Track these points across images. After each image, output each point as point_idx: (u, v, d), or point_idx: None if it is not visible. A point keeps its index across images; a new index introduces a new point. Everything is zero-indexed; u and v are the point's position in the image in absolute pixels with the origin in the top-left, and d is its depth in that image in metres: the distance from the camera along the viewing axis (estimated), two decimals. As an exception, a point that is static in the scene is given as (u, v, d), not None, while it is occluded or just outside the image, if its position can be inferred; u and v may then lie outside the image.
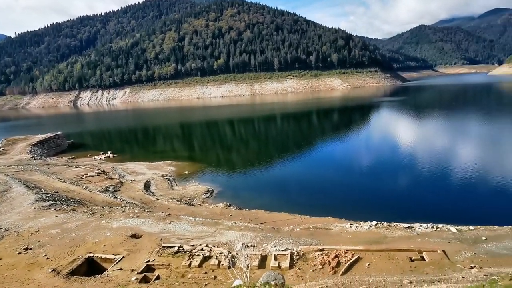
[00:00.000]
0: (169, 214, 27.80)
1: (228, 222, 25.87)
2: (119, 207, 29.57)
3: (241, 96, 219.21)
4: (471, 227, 22.51)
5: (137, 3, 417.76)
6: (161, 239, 22.18)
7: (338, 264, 18.08)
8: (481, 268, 17.05)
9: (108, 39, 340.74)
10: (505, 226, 22.40)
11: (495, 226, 22.57)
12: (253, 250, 19.97)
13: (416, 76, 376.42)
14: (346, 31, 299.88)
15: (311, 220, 26.41)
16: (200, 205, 32.50)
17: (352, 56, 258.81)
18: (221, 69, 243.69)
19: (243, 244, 18.71)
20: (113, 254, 20.08)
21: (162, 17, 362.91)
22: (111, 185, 38.34)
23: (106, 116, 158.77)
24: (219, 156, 59.73)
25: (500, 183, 34.12)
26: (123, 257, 19.79)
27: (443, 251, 18.97)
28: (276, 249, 19.90)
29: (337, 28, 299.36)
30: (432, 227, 22.84)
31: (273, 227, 24.76)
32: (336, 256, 18.58)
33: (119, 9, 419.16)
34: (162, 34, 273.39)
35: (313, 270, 17.84)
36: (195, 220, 26.15)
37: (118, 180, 40.66)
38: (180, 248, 20.34)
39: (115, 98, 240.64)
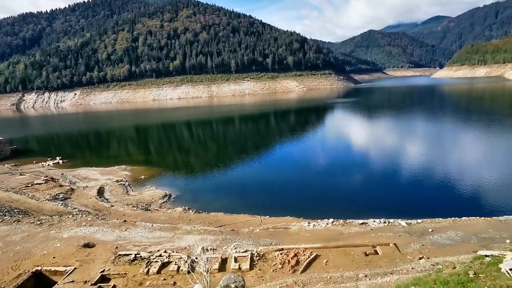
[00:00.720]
0: (125, 220, 26.83)
1: (187, 226, 25.48)
2: (70, 216, 28.04)
3: (198, 98, 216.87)
4: (419, 221, 24.03)
5: (86, 1, 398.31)
6: (116, 247, 21.34)
7: (297, 262, 18.47)
8: (428, 258, 18.26)
9: (55, 38, 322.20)
10: (448, 218, 24.18)
11: (439, 218, 24.26)
12: (213, 253, 19.84)
13: (367, 78, 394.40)
14: (301, 34, 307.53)
15: (271, 220, 26.73)
16: (158, 210, 31.67)
17: (307, 58, 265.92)
18: (177, 70, 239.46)
19: (203, 248, 18.55)
20: (64, 266, 18.99)
21: (114, 16, 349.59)
22: (60, 193, 36.24)
23: (54, 120, 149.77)
24: (176, 159, 58.60)
25: (443, 178, 36.67)
26: (75, 268, 18.78)
27: (395, 244, 20.07)
28: (236, 251, 19.92)
29: (292, 31, 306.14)
30: (385, 222, 24.06)
31: (233, 229, 24.76)
32: (295, 255, 18.97)
33: (67, 7, 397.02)
34: (115, 34, 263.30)
35: (273, 270, 18.08)
36: (152, 225, 25.47)
37: (68, 187, 38.53)
38: (137, 256, 19.70)
39: (64, 101, 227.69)
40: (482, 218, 24.09)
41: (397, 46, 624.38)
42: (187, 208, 31.08)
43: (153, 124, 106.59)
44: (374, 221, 24.36)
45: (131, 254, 19.87)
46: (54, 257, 20.23)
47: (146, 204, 33.32)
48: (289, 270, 17.93)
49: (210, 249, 20.32)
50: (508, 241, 19.43)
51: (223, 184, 41.04)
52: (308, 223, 24.94)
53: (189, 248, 19.75)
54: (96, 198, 35.06)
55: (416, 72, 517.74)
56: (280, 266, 18.34)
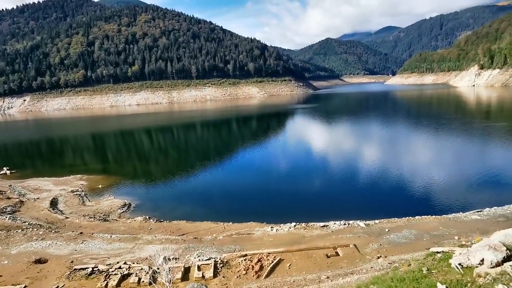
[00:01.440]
0: (81, 232, 25.57)
1: (148, 236, 24.76)
2: (19, 230, 26.25)
3: (158, 104, 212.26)
4: (376, 221, 25.06)
5: (36, 2, 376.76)
6: (72, 261, 20.26)
7: (261, 267, 18.57)
8: (386, 257, 19.07)
9: (1, 40, 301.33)
10: (403, 218, 25.44)
11: (395, 218, 25.46)
12: (176, 262, 19.44)
13: (325, 85, 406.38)
14: (261, 41, 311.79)
15: (234, 226, 26.65)
16: (117, 220, 30.47)
17: (267, 65, 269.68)
18: (136, 76, 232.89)
19: (165, 257, 18.11)
20: (12, 285, 17.70)
21: (67, 19, 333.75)
22: (8, 206, 33.79)
23: (0, 128, 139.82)
24: (136, 167, 56.83)
25: (397, 180, 38.56)
26: (26, 286, 17.60)
27: (354, 245, 20.77)
28: (199, 259, 19.66)
29: (252, 38, 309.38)
30: (344, 224, 24.84)
31: (195, 237, 24.41)
32: (259, 260, 19.06)
33: (14, 8, 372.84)
34: (68, 38, 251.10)
35: (237, 277, 18.02)
36: (111, 237, 24.48)
37: (17, 200, 36.03)
38: (95, 269, 18.83)
39: (12, 107, 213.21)
40: (433, 216, 25.59)
41: (353, 54, 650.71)
42: (148, 217, 30.18)
43: (111, 131, 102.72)
44: (334, 223, 25.07)
45: (88, 268, 18.95)
46: (1, 276, 18.82)
47: (104, 215, 31.93)
48: (253, 276, 17.97)
49: (173, 258, 19.89)
50: (456, 237, 20.80)
51: (185, 191, 40.36)
52: (271, 227, 25.17)
53: (151, 259, 19.18)
54: (48, 210, 33.06)
55: (371, 79, 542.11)
56: (244, 272, 18.33)
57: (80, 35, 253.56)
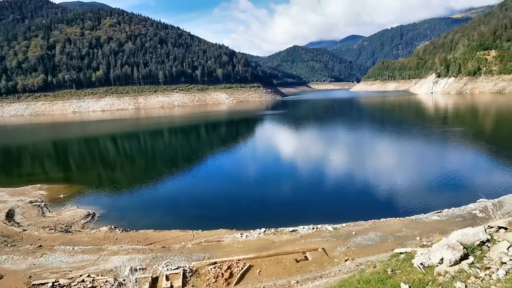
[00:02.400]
0: (41, 245, 24.27)
1: (113, 246, 23.91)
2: (-28, 245, 24.51)
3: (124, 110, 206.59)
4: (343, 225, 25.64)
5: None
6: (30, 276, 19.17)
7: (231, 275, 18.44)
8: (353, 259, 19.52)
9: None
10: (369, 221, 26.20)
11: (361, 221, 26.17)
12: (143, 273, 18.86)
13: (293, 92, 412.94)
14: (230, 48, 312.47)
15: (203, 234, 26.31)
16: (80, 231, 29.18)
17: (236, 71, 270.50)
18: (100, 81, 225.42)
19: (131, 268, 17.57)
20: (-36, 304, 16.52)
21: (25, 21, 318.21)
22: (-41, 219, 31.47)
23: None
24: (101, 175, 54.84)
25: (363, 184, 39.75)
26: (-21, 305, 16.46)
27: (323, 249, 21.12)
28: (167, 269, 19.23)
29: (221, 44, 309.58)
30: (313, 228, 25.22)
31: (164, 246, 23.87)
32: (228, 268, 18.93)
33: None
34: (27, 41, 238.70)
35: (206, 285, 17.79)
36: (73, 249, 23.41)
37: (-31, 212, 33.65)
38: (55, 284, 17.92)
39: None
40: (397, 218, 26.56)
41: (319, 62, 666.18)
42: (113, 227, 29.14)
43: (74, 138, 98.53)
44: (303, 228, 25.39)
45: (47, 283, 18.00)
46: (-50, 295, 17.50)
47: (66, 226, 30.47)
48: (223, 284, 17.81)
49: (140, 268, 19.30)
50: (418, 238, 21.68)
51: (152, 199, 39.37)
52: (241, 234, 25.09)
53: (116, 270, 18.49)
54: (4, 223, 31.09)
55: (336, 85, 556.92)
56: (213, 280, 18.13)
57: (39, 38, 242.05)
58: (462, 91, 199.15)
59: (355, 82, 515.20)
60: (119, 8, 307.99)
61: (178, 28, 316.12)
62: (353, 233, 23.75)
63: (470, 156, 52.22)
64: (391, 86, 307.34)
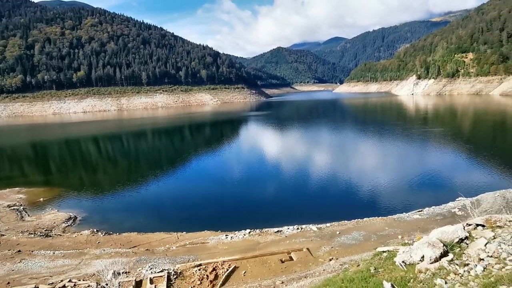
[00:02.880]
0: (19, 250, 23.62)
1: (95, 250, 23.49)
2: None
3: (106, 111, 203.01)
4: (328, 224, 25.91)
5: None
6: (8, 283, 18.64)
7: (216, 276, 18.38)
8: (337, 259, 19.75)
9: None
10: (352, 220, 26.55)
11: (345, 221, 26.50)
12: (126, 276, 18.61)
13: (277, 93, 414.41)
14: (214, 49, 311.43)
15: (188, 236, 26.13)
16: (61, 235, 28.52)
17: (220, 72, 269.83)
18: (81, 82, 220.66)
19: (114, 272, 17.29)
20: None
21: (3, 19, 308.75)
22: None
23: None
24: (82, 178, 53.71)
25: (347, 183, 40.31)
26: (-46, 313, 15.90)
27: (308, 249, 21.29)
28: (151, 272, 19.03)
29: (205, 45, 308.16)
30: (298, 228, 25.38)
31: (147, 249, 23.59)
32: (213, 269, 18.86)
33: None
34: (4, 40, 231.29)
35: (191, 287, 17.68)
36: (54, 253, 22.88)
37: None
38: (36, 289, 17.48)
39: None
40: (380, 217, 27.00)
41: (303, 63, 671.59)
42: (95, 230, 28.60)
43: (54, 140, 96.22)
44: (288, 228, 25.53)
45: (28, 289, 17.56)
46: None
47: (46, 230, 29.72)
48: (208, 285, 17.73)
49: (123, 272, 19.00)
50: (400, 236, 22.13)
51: (136, 202, 38.82)
52: (226, 235, 25.04)
53: (98, 274, 18.17)
54: (-19, 228, 30.13)
55: (320, 87, 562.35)
56: (198, 282, 18.03)
57: (17, 37, 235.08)
58: (441, 92, 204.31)
59: (338, 84, 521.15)
60: (100, 8, 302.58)
61: (162, 29, 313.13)
62: (337, 232, 24.03)
63: (450, 155, 53.58)
64: (373, 87, 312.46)
